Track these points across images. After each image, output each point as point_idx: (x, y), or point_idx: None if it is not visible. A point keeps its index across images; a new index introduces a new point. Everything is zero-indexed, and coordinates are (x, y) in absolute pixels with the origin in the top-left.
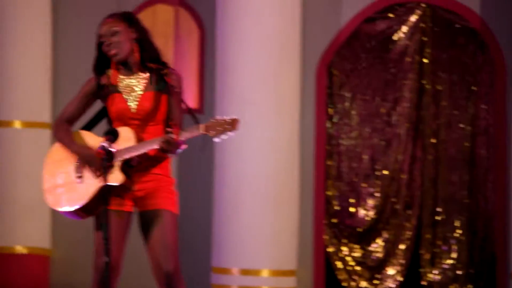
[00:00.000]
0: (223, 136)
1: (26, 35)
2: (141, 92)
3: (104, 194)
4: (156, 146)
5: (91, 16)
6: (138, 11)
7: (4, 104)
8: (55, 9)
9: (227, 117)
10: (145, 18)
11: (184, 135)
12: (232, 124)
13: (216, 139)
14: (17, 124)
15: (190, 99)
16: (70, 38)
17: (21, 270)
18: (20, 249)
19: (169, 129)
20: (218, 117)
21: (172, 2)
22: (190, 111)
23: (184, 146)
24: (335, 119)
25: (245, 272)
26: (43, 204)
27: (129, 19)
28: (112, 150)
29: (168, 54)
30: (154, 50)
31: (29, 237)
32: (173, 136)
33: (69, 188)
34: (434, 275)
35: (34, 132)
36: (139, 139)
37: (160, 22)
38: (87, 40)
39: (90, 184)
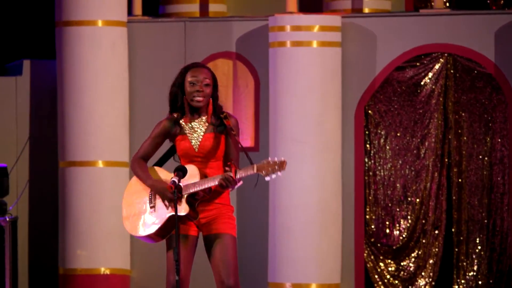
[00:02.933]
0: (273, 176)
1: (107, 88)
2: (203, 133)
3: (173, 222)
4: (216, 183)
5: (162, 67)
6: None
7: (89, 147)
8: (132, 61)
9: (276, 159)
10: None
11: (240, 174)
12: (281, 165)
13: (267, 178)
14: (101, 164)
15: (248, 139)
16: (144, 88)
17: None
18: (104, 270)
19: (227, 168)
20: (269, 159)
21: (231, 56)
22: (246, 153)
23: (240, 183)
24: (372, 154)
25: (296, 286)
26: (123, 231)
27: (214, 77)
28: (181, 184)
29: (228, 102)
30: (220, 105)
31: (111, 259)
32: (231, 174)
33: (143, 216)
34: (458, 285)
35: (114, 170)
36: (203, 174)
37: (221, 74)
38: (158, 89)
39: (162, 213)
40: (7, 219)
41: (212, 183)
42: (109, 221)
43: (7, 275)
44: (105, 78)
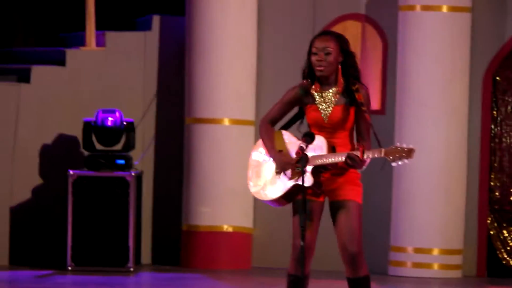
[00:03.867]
0: (400, 162)
1: (235, 46)
2: (333, 105)
3: (297, 189)
4: (342, 159)
5: (290, 28)
6: (331, 25)
7: (216, 104)
8: (260, 21)
9: (405, 146)
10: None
11: (367, 155)
12: (408, 153)
13: (393, 164)
14: (226, 122)
15: (375, 101)
16: (271, 49)
17: (227, 245)
18: (226, 227)
19: (356, 146)
20: (398, 144)
21: (360, 18)
22: (375, 134)
23: (366, 164)
24: (498, 120)
25: (418, 250)
26: (246, 189)
27: (342, 43)
28: (308, 155)
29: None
30: (356, 72)
31: (234, 217)
32: (358, 154)
33: (269, 181)
34: None
35: (240, 128)
36: (330, 145)
37: (350, 35)
38: (286, 51)
39: (286, 182)
40: (132, 173)
41: (339, 158)
42: (233, 179)
43: (130, 228)
44: (233, 36)
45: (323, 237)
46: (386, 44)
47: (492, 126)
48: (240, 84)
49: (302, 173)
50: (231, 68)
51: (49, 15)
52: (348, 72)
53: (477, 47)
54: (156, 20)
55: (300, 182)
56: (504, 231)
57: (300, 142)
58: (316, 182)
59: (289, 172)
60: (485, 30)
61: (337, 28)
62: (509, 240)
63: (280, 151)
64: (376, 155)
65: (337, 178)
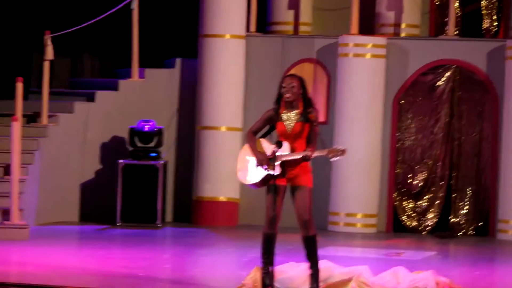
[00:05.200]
0: (336, 158)
1: (229, 80)
2: (294, 122)
3: (270, 177)
4: (300, 157)
5: (267, 67)
6: (293, 66)
7: (216, 117)
8: (247, 62)
9: (341, 147)
10: (296, 69)
11: (315, 154)
12: (342, 152)
13: (331, 160)
14: (223, 129)
15: (322, 116)
16: (254, 81)
17: (222, 210)
18: (222, 199)
19: (307, 148)
20: (336, 146)
21: (312, 61)
22: (321, 140)
23: (312, 158)
24: (402, 129)
25: (348, 214)
26: (235, 175)
27: (302, 81)
28: (277, 154)
29: (310, 91)
30: (309, 100)
31: (227, 192)
32: (309, 153)
33: (251, 171)
34: (454, 219)
35: (232, 133)
36: (292, 148)
37: (305, 73)
38: (264, 82)
39: (262, 171)
40: (161, 163)
41: (297, 156)
42: (227, 167)
43: (159, 198)
44: (229, 73)
45: (287, 207)
46: (330, 79)
47: (398, 133)
48: (233, 105)
49: (274, 166)
50: (227, 94)
51: (108, 57)
52: (305, 100)
53: (388, 81)
54: (178, 61)
55: (272, 172)
56: (404, 203)
57: (273, 146)
58: (282, 171)
59: (265, 165)
60: (394, 70)
61: (297, 68)
62: (407, 208)
63: (260, 151)
64: (321, 154)
65: (296, 168)
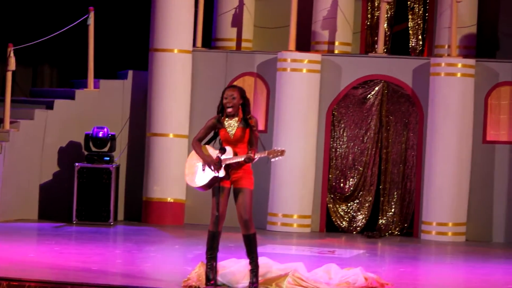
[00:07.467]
0: (276, 159)
1: (176, 91)
2: (236, 128)
3: (216, 179)
4: (242, 159)
5: (211, 79)
6: (236, 78)
7: (165, 125)
8: (193, 74)
9: (280, 148)
10: (238, 82)
11: (257, 155)
12: (282, 153)
13: (272, 160)
14: (171, 135)
15: (262, 125)
16: (200, 91)
17: (169, 210)
18: (169, 199)
19: (249, 151)
20: (275, 148)
21: (253, 75)
22: (261, 142)
23: (255, 160)
24: (334, 138)
25: (285, 215)
26: (183, 178)
27: (242, 92)
28: (222, 158)
29: (250, 103)
30: (249, 108)
31: (174, 193)
32: (251, 155)
33: (198, 175)
34: (382, 220)
35: (179, 140)
36: (234, 152)
37: (246, 85)
38: (209, 93)
39: (209, 174)
40: (113, 166)
41: (240, 159)
42: (174, 171)
43: (111, 198)
44: (176, 84)
45: (230, 209)
46: (269, 91)
47: (331, 142)
48: (180, 114)
49: (218, 169)
50: (175, 104)
51: (66, 68)
52: (245, 109)
53: (323, 93)
54: (130, 73)
55: (217, 174)
56: (336, 205)
57: (218, 151)
58: (227, 174)
59: (213, 166)
60: (327, 84)
61: (239, 81)
62: (339, 210)
63: (207, 154)
64: (262, 155)
65: (238, 173)
